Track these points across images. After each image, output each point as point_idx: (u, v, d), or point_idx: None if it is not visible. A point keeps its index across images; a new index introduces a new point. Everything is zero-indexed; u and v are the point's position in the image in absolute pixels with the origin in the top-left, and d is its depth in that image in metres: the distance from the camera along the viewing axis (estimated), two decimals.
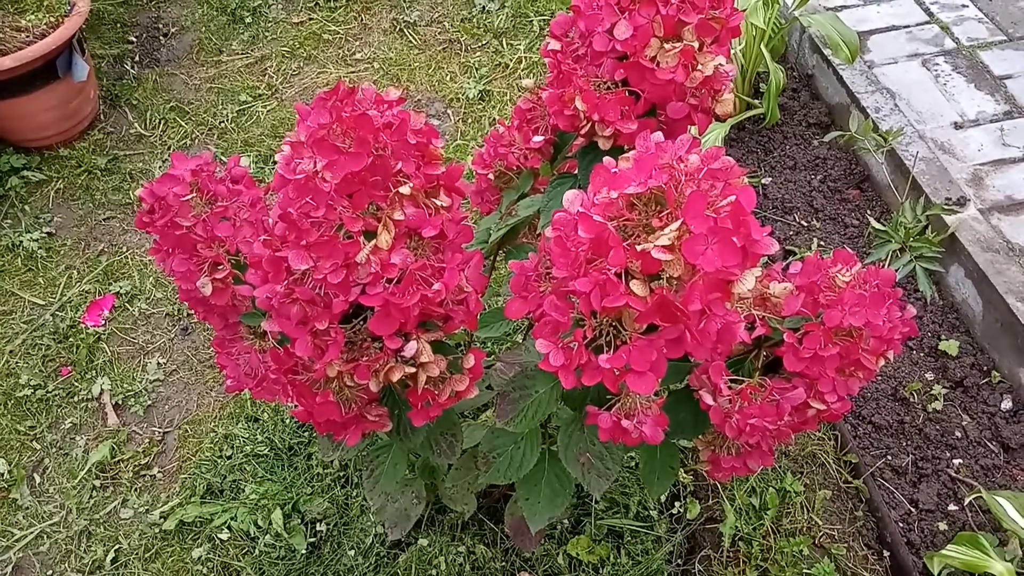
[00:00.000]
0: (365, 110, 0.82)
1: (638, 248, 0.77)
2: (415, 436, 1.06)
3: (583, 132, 1.08)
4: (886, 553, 1.52)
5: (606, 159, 0.88)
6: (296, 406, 1.01)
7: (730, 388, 1.01)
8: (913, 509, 1.57)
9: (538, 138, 1.20)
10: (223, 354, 1.15)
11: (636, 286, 0.79)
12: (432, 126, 0.86)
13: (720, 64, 1.03)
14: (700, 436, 1.16)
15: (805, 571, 1.48)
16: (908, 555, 1.49)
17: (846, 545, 1.53)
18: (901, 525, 1.54)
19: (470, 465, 1.30)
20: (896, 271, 1.85)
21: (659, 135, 0.87)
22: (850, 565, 1.51)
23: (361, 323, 0.92)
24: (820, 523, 1.55)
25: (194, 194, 1.07)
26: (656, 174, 0.81)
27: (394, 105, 0.86)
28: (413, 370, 0.92)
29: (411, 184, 0.83)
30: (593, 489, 1.10)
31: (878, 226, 1.89)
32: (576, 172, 1.19)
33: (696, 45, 1.00)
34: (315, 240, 0.81)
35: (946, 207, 1.84)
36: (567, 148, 1.20)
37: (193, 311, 1.14)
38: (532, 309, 0.95)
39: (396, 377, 0.91)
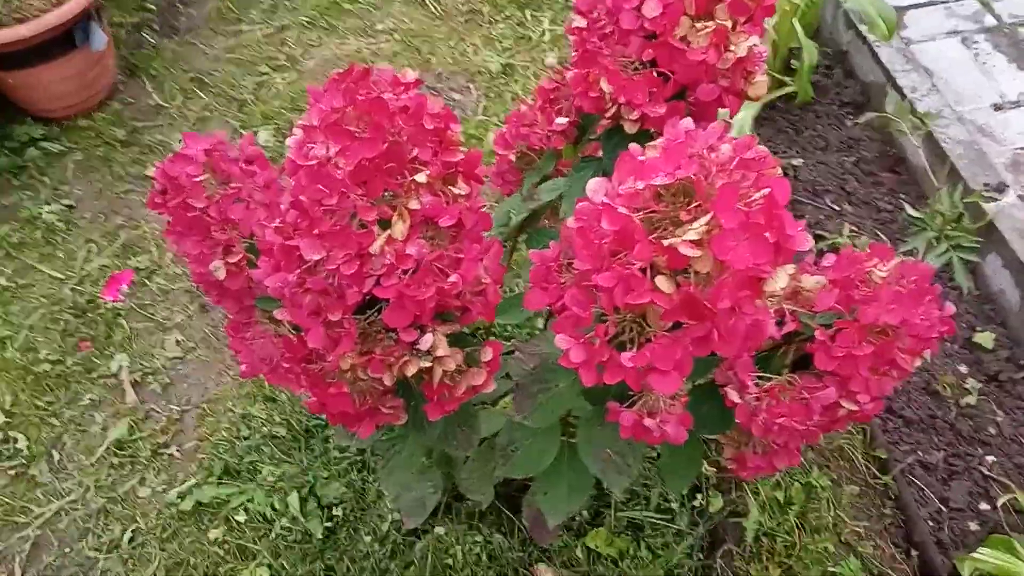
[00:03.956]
0: (380, 93, 0.78)
1: (665, 243, 0.73)
2: (431, 429, 1.03)
3: (609, 115, 1.03)
4: (914, 552, 1.48)
5: (632, 145, 0.84)
6: (309, 396, 0.98)
7: (757, 386, 0.98)
8: (943, 508, 1.52)
9: (561, 120, 1.15)
10: (237, 339, 1.13)
11: (662, 282, 0.75)
12: (450, 110, 0.82)
13: (754, 45, 0.98)
14: (724, 432, 1.12)
15: (830, 569, 1.44)
16: (937, 555, 1.44)
17: (873, 543, 1.49)
18: (930, 524, 1.50)
19: (488, 456, 1.27)
20: (931, 262, 1.79)
21: (689, 121, 0.82)
22: (876, 564, 1.47)
23: (375, 314, 0.89)
24: (847, 520, 1.51)
25: (207, 175, 1.04)
26: (685, 164, 0.77)
27: (411, 87, 0.82)
28: (429, 364, 0.88)
29: (428, 172, 0.79)
30: (613, 486, 1.07)
31: (914, 213, 1.82)
32: (600, 155, 1.15)
33: (729, 24, 0.95)
34: (328, 229, 0.78)
35: (985, 194, 1.77)
36: (592, 130, 1.16)
37: (207, 293, 1.11)
38: (552, 301, 0.91)
39: (411, 372, 0.87)
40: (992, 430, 1.62)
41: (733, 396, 0.99)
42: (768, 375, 0.99)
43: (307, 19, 2.72)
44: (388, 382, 0.90)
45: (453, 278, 0.83)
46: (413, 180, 0.79)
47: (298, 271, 0.83)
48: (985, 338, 1.73)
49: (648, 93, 1.00)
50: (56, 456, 1.73)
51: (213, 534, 1.56)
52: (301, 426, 1.67)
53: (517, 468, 1.11)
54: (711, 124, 0.82)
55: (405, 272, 0.82)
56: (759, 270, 0.75)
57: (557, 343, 0.86)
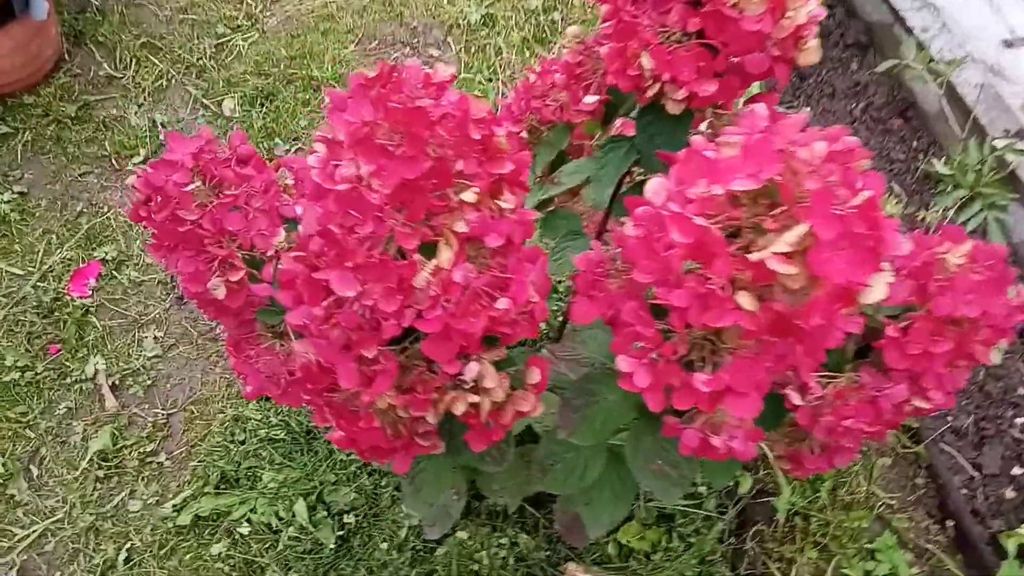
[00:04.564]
0: (415, 98, 0.66)
1: (751, 258, 0.64)
2: (467, 451, 0.94)
3: (648, 94, 0.92)
4: (949, 523, 1.44)
5: (695, 139, 0.73)
6: (332, 428, 0.88)
7: (821, 386, 0.90)
8: (976, 474, 1.48)
9: (590, 98, 1.04)
10: (240, 358, 1.02)
11: (745, 301, 0.66)
12: (493, 112, 0.70)
13: (810, 10, 0.88)
14: (776, 430, 1.05)
15: (866, 545, 1.40)
16: (973, 524, 1.41)
17: (907, 515, 1.45)
18: (964, 492, 1.46)
19: (520, 465, 1.19)
20: (963, 222, 1.70)
21: (763, 107, 0.72)
22: (912, 537, 1.43)
23: (412, 343, 0.78)
24: (880, 493, 1.46)
25: (197, 182, 0.91)
26: (769, 164, 0.66)
27: (446, 87, 0.69)
28: (477, 399, 0.78)
29: (475, 188, 0.68)
30: (666, 498, 0.99)
31: (944, 170, 1.73)
32: (632, 136, 1.04)
33: None
34: (363, 261, 0.67)
35: (1015, 148, 1.66)
36: (623, 108, 1.04)
37: (202, 310, 1.00)
38: (604, 312, 0.82)
39: (461, 410, 0.77)
40: (1021, 390, 1.57)
41: (795, 399, 0.91)
42: (831, 375, 0.92)
43: None
44: (432, 420, 0.80)
45: (503, 303, 0.73)
46: (460, 199, 0.67)
47: (325, 303, 0.72)
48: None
49: (697, 69, 0.88)
50: (35, 472, 1.60)
51: (215, 549, 1.46)
52: (301, 427, 1.56)
53: (559, 484, 1.03)
54: (793, 116, 0.71)
55: (449, 301, 0.71)
56: (857, 283, 0.66)
57: (618, 365, 0.77)
